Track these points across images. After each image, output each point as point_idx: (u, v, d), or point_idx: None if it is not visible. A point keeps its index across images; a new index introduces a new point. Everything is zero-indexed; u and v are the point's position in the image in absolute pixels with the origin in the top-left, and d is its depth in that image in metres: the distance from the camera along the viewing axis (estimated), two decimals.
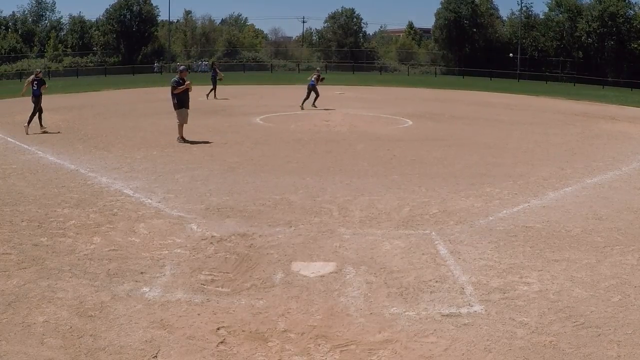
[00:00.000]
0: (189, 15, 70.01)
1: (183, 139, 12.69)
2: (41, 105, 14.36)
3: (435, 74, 57.11)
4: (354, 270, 5.24)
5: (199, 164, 10.30)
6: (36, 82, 14.29)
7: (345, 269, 5.28)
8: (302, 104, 20.49)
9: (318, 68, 24.50)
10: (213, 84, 24.17)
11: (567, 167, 10.63)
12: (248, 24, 76.92)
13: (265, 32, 76.24)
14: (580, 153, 12.51)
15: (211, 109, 20.10)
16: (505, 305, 4.56)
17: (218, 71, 25.33)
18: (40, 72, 15.46)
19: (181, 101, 12.71)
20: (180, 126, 12.78)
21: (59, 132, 14.23)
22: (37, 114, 14.28)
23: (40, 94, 14.36)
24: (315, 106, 20.57)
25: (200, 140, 12.88)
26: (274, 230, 6.42)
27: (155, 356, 3.73)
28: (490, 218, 7.06)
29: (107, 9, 62.44)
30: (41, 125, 14.27)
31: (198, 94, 21.95)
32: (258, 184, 8.69)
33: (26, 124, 13.92)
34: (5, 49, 56.90)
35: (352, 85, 36.81)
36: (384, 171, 9.92)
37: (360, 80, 42.32)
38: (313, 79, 21.06)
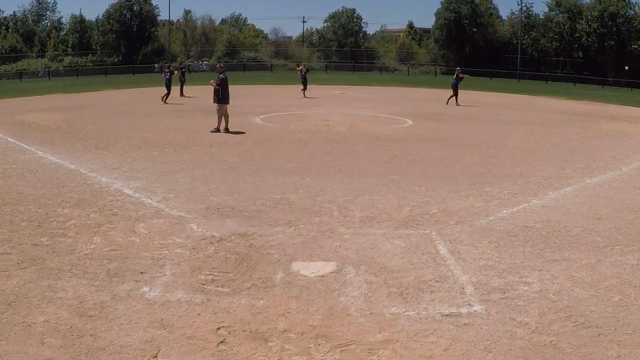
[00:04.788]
0: (189, 15, 70.06)
1: (226, 130, 14.26)
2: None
3: (436, 73, 57.08)
4: (354, 270, 5.24)
5: (199, 164, 10.30)
6: None
7: (345, 268, 5.29)
8: (448, 100, 23.50)
9: (458, 68, 25.89)
10: (181, 83, 25.40)
11: (567, 167, 10.63)
12: (248, 24, 76.96)
13: (265, 32, 76.25)
14: (580, 153, 12.51)
15: (210, 108, 20.07)
16: (505, 305, 4.56)
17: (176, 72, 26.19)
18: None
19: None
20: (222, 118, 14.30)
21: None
22: None
23: None
24: (454, 103, 23.14)
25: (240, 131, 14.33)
26: (274, 230, 6.42)
27: (155, 356, 3.73)
28: (490, 218, 7.06)
29: (107, 9, 62.53)
30: None
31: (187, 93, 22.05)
32: (258, 184, 8.69)
33: None
34: (5, 49, 56.90)
35: (352, 85, 36.81)
36: (384, 171, 9.92)
37: (360, 80, 42.31)
38: (455, 78, 23.97)
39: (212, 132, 14.11)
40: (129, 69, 52.12)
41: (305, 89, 26.35)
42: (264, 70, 58.78)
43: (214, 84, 14.34)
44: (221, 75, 14.49)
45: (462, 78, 24.06)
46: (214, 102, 14.43)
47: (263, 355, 3.77)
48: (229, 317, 4.30)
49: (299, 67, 30.28)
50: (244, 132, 14.23)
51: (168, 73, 22.70)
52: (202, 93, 22.99)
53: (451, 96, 23.50)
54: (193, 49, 65.92)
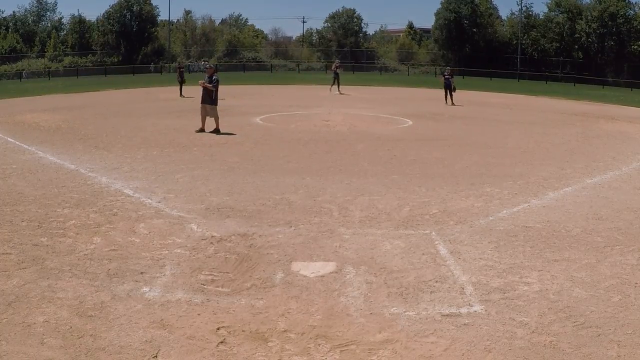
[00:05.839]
0: (189, 15, 70.02)
1: (203, 130, 14.19)
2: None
3: (435, 74, 56.99)
4: (354, 270, 5.24)
5: (199, 164, 10.30)
6: None
7: (345, 269, 5.28)
8: (446, 100, 23.64)
9: (448, 68, 26.50)
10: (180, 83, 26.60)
11: (567, 167, 10.63)
12: (248, 24, 76.90)
13: (265, 32, 76.19)
14: (580, 153, 12.51)
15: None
16: (505, 305, 4.56)
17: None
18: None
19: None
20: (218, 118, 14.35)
21: None
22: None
23: None
24: (451, 103, 23.30)
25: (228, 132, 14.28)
26: (274, 230, 6.42)
27: (155, 356, 3.73)
28: (490, 218, 7.06)
29: (107, 10, 62.52)
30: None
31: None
32: (258, 184, 8.69)
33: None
34: (5, 49, 56.88)
35: (352, 85, 36.76)
36: (384, 171, 9.92)
37: (360, 80, 42.23)
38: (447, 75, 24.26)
39: (210, 132, 14.09)
40: (128, 69, 52.10)
41: (334, 84, 28.12)
42: (263, 71, 58.75)
43: (210, 86, 14.09)
44: (215, 76, 14.38)
45: (447, 78, 23.84)
46: (205, 102, 14.18)
47: (263, 356, 3.77)
48: (229, 317, 4.30)
49: (334, 65, 31.04)
50: (235, 134, 14.02)
51: None
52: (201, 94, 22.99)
53: (445, 95, 23.57)
54: (193, 49, 65.88)
